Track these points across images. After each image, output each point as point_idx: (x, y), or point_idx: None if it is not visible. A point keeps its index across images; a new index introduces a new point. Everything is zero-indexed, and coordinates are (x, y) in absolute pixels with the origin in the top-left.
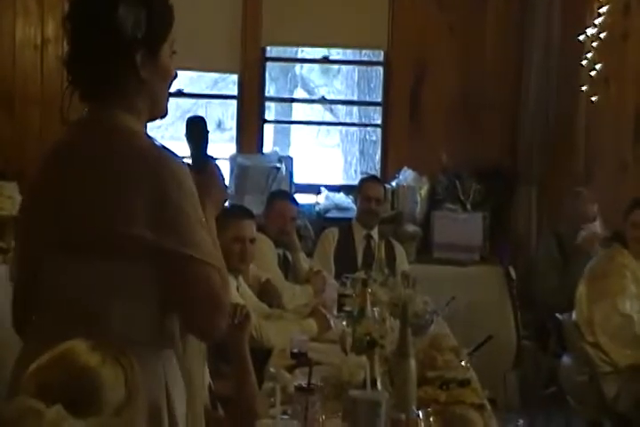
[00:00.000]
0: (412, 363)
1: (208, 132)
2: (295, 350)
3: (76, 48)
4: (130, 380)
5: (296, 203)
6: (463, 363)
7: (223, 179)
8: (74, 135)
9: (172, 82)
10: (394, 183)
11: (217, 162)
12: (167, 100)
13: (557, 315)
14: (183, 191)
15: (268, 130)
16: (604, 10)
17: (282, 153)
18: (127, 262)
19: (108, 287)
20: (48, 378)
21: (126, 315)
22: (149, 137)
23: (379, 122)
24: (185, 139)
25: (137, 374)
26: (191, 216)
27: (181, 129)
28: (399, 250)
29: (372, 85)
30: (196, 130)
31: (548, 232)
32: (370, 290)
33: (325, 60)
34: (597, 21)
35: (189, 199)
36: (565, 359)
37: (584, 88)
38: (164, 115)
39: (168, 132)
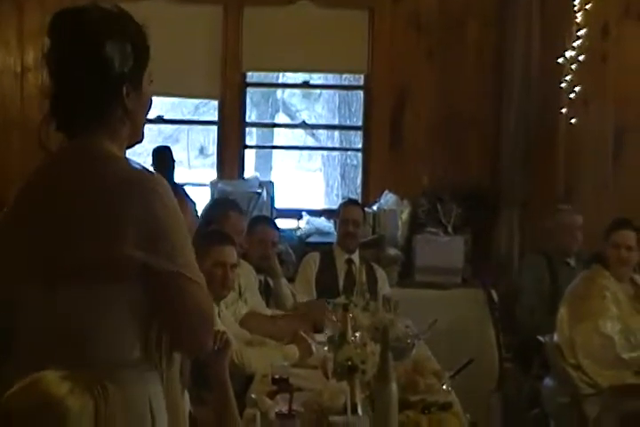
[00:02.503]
0: (394, 387)
1: (174, 161)
2: (276, 376)
3: (62, 82)
4: (101, 411)
5: (277, 228)
6: (445, 387)
7: (194, 204)
8: (57, 163)
9: (149, 109)
10: (375, 207)
11: (184, 188)
12: (144, 126)
13: (539, 337)
14: (168, 211)
15: (250, 155)
16: (582, 33)
17: (263, 178)
18: (116, 284)
19: (95, 311)
20: (15, 407)
21: (111, 338)
22: (132, 161)
23: (360, 146)
24: (152, 168)
25: (112, 405)
26: (178, 235)
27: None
28: (380, 274)
29: (352, 109)
30: (163, 159)
31: (536, 251)
32: (351, 315)
33: (306, 84)
34: (576, 44)
35: (175, 218)
36: (547, 381)
37: (564, 110)
38: (140, 140)
39: (149, 159)
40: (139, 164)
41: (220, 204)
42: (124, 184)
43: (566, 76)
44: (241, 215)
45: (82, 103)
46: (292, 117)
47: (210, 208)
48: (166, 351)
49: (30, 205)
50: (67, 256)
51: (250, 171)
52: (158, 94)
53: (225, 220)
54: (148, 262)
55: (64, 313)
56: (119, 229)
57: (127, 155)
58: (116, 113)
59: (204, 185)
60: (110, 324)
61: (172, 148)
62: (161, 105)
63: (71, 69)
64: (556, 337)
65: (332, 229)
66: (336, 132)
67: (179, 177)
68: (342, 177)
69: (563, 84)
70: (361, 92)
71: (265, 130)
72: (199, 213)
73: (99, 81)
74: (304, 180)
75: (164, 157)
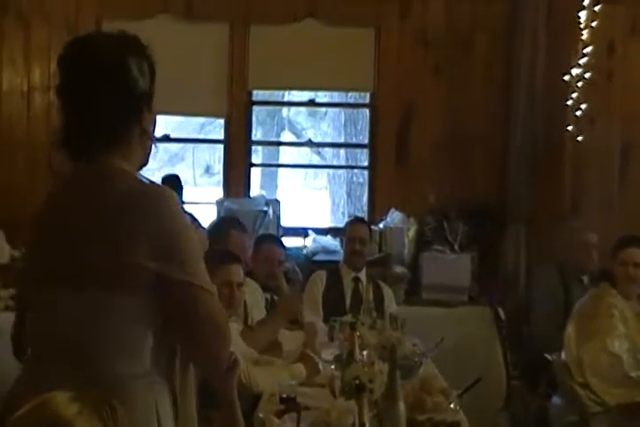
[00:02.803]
0: (401, 406)
1: (182, 188)
2: (284, 395)
3: (81, 108)
4: None
5: (283, 246)
6: (453, 405)
7: (204, 230)
8: (72, 184)
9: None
10: (381, 225)
11: (193, 215)
12: (152, 147)
13: (547, 355)
14: (179, 223)
15: (255, 173)
16: (588, 50)
17: (269, 196)
18: (129, 292)
19: (107, 320)
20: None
21: (123, 347)
22: (143, 177)
23: (366, 164)
24: None
25: (121, 425)
26: (189, 246)
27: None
28: (387, 292)
29: (358, 127)
30: (171, 187)
31: (548, 266)
32: (358, 333)
33: (312, 102)
34: (582, 61)
35: (185, 230)
36: (555, 400)
37: (570, 127)
38: (146, 163)
39: (155, 177)
40: (148, 179)
41: (221, 223)
42: (134, 198)
43: (572, 93)
44: (243, 233)
45: (102, 127)
46: (297, 136)
47: (212, 229)
48: (180, 364)
49: (47, 226)
50: (81, 267)
51: (256, 189)
52: (164, 113)
53: (227, 239)
54: (161, 272)
55: (77, 321)
56: (131, 241)
57: None
58: (134, 132)
59: (211, 203)
60: (123, 333)
61: (178, 167)
62: (166, 124)
63: (94, 94)
64: (563, 355)
65: (339, 248)
66: (342, 150)
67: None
68: (348, 195)
69: (569, 102)
70: (367, 110)
71: (270, 148)
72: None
73: (124, 101)
74: (310, 198)
75: (172, 185)
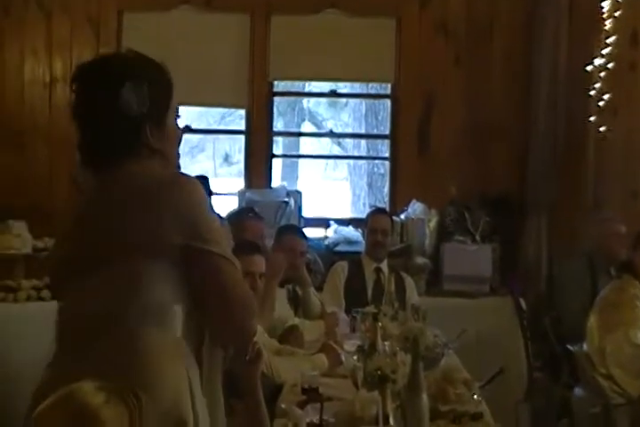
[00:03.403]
0: (424, 397)
1: (211, 191)
2: (306, 386)
3: (89, 130)
4: (135, 421)
5: (305, 237)
6: (475, 396)
7: (225, 222)
8: (99, 183)
9: (180, 141)
10: (403, 216)
11: (221, 216)
12: (178, 158)
13: (569, 346)
14: (202, 204)
15: (276, 164)
16: (611, 40)
17: (290, 187)
18: (158, 265)
19: (137, 291)
20: (53, 418)
21: (151, 316)
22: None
23: (387, 155)
24: None
25: (146, 414)
26: (211, 223)
27: (189, 164)
28: (409, 283)
29: (379, 118)
30: None
31: (577, 256)
32: (380, 324)
33: (333, 93)
34: (605, 51)
35: (207, 210)
36: (577, 391)
37: (592, 118)
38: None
39: None
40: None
41: (237, 214)
42: (160, 182)
43: (595, 84)
44: (259, 221)
45: (109, 145)
46: (318, 126)
47: (228, 220)
48: (208, 348)
49: (77, 215)
50: (111, 244)
51: (277, 180)
52: (185, 104)
53: (244, 228)
54: (186, 245)
55: (109, 294)
56: (159, 218)
57: None
58: (142, 152)
59: (232, 194)
60: (152, 303)
61: (198, 158)
62: (187, 114)
63: (94, 114)
64: (585, 346)
65: (360, 238)
66: (362, 141)
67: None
68: (369, 186)
69: (591, 92)
70: (388, 101)
71: (291, 139)
72: None
73: (120, 123)
74: (331, 189)
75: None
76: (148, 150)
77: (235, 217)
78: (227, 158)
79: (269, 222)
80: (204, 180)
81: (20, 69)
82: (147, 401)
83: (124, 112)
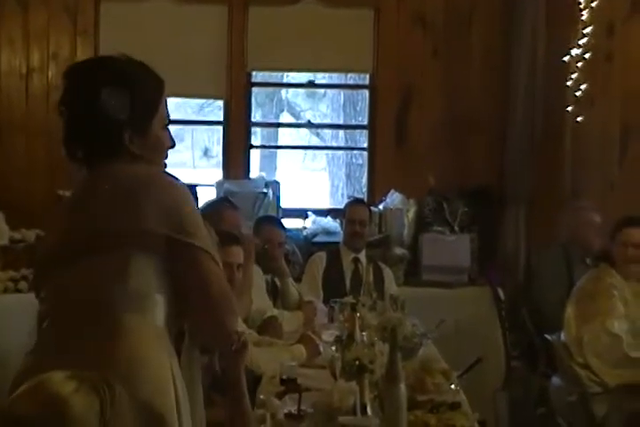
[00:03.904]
0: (402, 387)
1: (197, 198)
2: (284, 377)
3: (70, 128)
4: (107, 410)
5: (283, 228)
6: (453, 386)
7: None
8: (87, 179)
9: (167, 152)
10: (381, 206)
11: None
12: (164, 167)
13: (546, 335)
14: (185, 199)
15: (255, 155)
16: (588, 30)
17: (268, 178)
18: (142, 254)
19: (121, 278)
20: (23, 405)
21: (137, 303)
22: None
23: (365, 145)
24: None
25: (119, 404)
26: (193, 217)
27: (170, 156)
28: (387, 273)
29: (357, 109)
30: None
31: (553, 246)
32: (358, 314)
33: (311, 84)
34: (582, 42)
35: (191, 204)
36: (555, 380)
37: (569, 108)
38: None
39: None
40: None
41: (213, 204)
42: (147, 177)
43: (572, 74)
44: (234, 210)
45: (88, 145)
46: (296, 117)
47: (204, 210)
48: (188, 342)
49: (65, 205)
50: (98, 233)
51: (255, 171)
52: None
53: (219, 219)
54: (169, 236)
55: (93, 281)
56: (144, 210)
57: None
58: (123, 158)
59: (210, 186)
60: (135, 290)
61: (177, 148)
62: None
63: (74, 114)
64: (563, 336)
65: (338, 229)
66: (341, 132)
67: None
68: (347, 176)
69: (568, 83)
70: (366, 92)
71: (269, 130)
72: None
73: (98, 128)
74: (309, 179)
75: None
76: (129, 157)
77: (210, 207)
78: (206, 151)
79: (248, 213)
80: (191, 187)
81: None
82: (122, 390)
83: (103, 116)
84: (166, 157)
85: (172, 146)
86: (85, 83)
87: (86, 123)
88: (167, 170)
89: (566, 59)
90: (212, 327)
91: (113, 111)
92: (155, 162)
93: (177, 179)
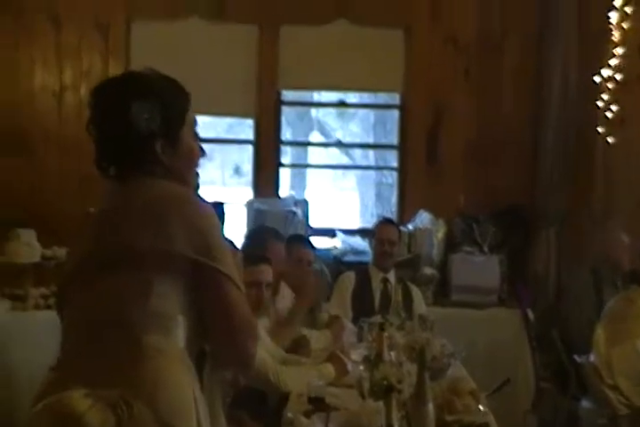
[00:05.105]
0: (430, 407)
1: (224, 214)
2: (312, 396)
3: (102, 144)
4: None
5: (312, 247)
6: (481, 407)
7: (239, 251)
8: (116, 191)
9: (198, 161)
10: (410, 226)
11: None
12: (196, 177)
13: (576, 357)
14: (213, 223)
15: (285, 174)
16: (619, 51)
17: (298, 197)
18: (166, 275)
19: (145, 298)
20: (41, 422)
21: (158, 323)
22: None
23: (395, 165)
24: None
25: (138, 422)
26: (221, 243)
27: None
28: (416, 293)
29: (387, 128)
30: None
31: (582, 267)
32: (387, 334)
33: (341, 103)
34: (613, 63)
35: (218, 230)
36: (585, 402)
37: (600, 129)
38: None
39: None
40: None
41: (258, 233)
42: (176, 197)
43: (603, 94)
44: (280, 243)
45: (122, 160)
46: (326, 136)
47: (248, 239)
48: (209, 365)
49: (93, 223)
50: (125, 252)
51: (285, 189)
52: (194, 113)
53: (265, 249)
54: (195, 260)
55: (117, 300)
56: (171, 232)
57: None
58: (156, 169)
59: (240, 204)
60: (158, 311)
61: (207, 167)
62: None
63: (105, 126)
64: (592, 357)
65: (368, 249)
66: (371, 151)
67: (214, 195)
68: (377, 196)
69: (599, 103)
70: (396, 111)
71: (299, 148)
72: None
73: (130, 140)
74: (338, 198)
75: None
76: (162, 169)
77: (256, 237)
78: (237, 170)
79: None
80: (219, 205)
81: (31, 77)
82: (142, 408)
83: (135, 128)
84: (198, 167)
85: (203, 155)
86: (115, 96)
87: (118, 135)
88: (198, 187)
89: (597, 79)
90: (234, 352)
91: (144, 122)
92: (186, 173)
93: (205, 200)
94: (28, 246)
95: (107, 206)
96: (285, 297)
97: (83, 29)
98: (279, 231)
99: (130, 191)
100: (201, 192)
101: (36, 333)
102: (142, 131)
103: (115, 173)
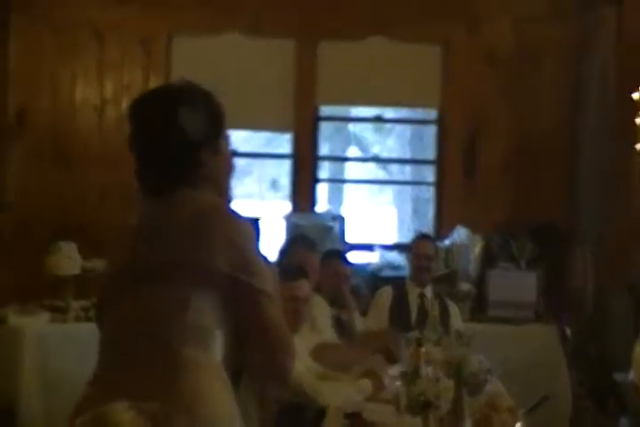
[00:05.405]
0: (468, 424)
1: (259, 230)
2: (349, 411)
3: (146, 152)
4: None
5: (349, 262)
6: (519, 424)
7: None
8: (156, 205)
9: (232, 173)
10: (447, 241)
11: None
12: (232, 190)
13: (614, 375)
14: (251, 242)
15: (322, 188)
16: None
17: (335, 211)
18: (205, 290)
19: (184, 312)
20: None
21: (194, 337)
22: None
23: (432, 180)
24: None
25: None
26: (258, 261)
27: (235, 188)
28: (453, 308)
29: (424, 143)
30: None
31: (620, 285)
32: (424, 349)
33: (378, 119)
34: None
35: (255, 248)
36: (624, 420)
37: (638, 146)
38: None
39: None
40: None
41: (292, 243)
42: (215, 213)
43: None
44: (313, 253)
45: (165, 171)
46: (363, 151)
47: (282, 251)
48: (246, 369)
49: (133, 235)
50: (166, 266)
51: (322, 204)
52: (231, 127)
53: (295, 256)
54: (234, 277)
55: (156, 313)
56: (211, 245)
57: None
58: (198, 179)
59: (277, 218)
60: (196, 325)
61: (244, 181)
62: (233, 138)
63: (150, 142)
64: (631, 375)
65: (405, 263)
66: (408, 166)
67: (251, 209)
68: (414, 211)
69: (637, 120)
70: (434, 127)
71: (336, 163)
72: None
73: (177, 148)
74: (375, 213)
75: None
76: (201, 180)
77: (289, 248)
78: (274, 184)
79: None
80: (255, 221)
81: (72, 91)
82: (181, 422)
83: (183, 136)
84: (232, 177)
85: (234, 168)
86: (163, 104)
87: (167, 144)
88: (234, 201)
89: (635, 96)
90: (271, 368)
91: (192, 129)
92: (224, 183)
93: (241, 216)
94: (68, 259)
95: (146, 220)
96: (320, 308)
97: (125, 44)
98: (313, 241)
99: (170, 205)
100: (237, 206)
101: (76, 345)
102: (190, 139)
103: (156, 185)
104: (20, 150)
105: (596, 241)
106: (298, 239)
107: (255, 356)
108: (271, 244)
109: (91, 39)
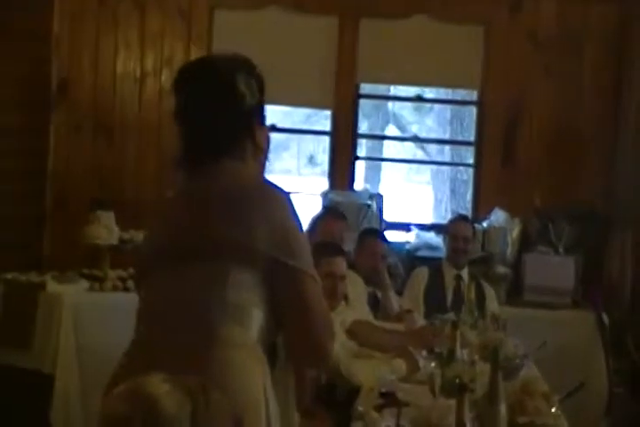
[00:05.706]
0: (503, 408)
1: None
2: (384, 390)
3: (197, 120)
4: (200, 415)
5: (386, 241)
6: (554, 410)
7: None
8: (198, 178)
9: (269, 146)
10: (485, 224)
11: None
12: (268, 165)
13: None
14: (292, 218)
15: (360, 166)
16: None
17: (372, 190)
18: (246, 269)
19: (222, 289)
20: (117, 407)
21: (232, 315)
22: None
23: (471, 161)
24: None
25: (214, 409)
26: (299, 239)
27: (273, 163)
28: (489, 291)
29: (464, 124)
30: None
31: None
32: (459, 332)
33: (418, 98)
34: None
35: (296, 225)
36: None
37: None
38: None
39: None
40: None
41: (322, 213)
42: (257, 189)
43: None
44: (333, 219)
45: (215, 142)
46: (402, 130)
47: (313, 218)
48: (285, 348)
49: (173, 209)
50: (208, 243)
51: (360, 182)
52: (271, 103)
53: (316, 227)
54: (275, 256)
55: (195, 289)
56: (252, 224)
57: None
58: (246, 146)
59: (314, 195)
60: (235, 303)
61: (282, 156)
62: (273, 113)
63: (207, 111)
64: None
65: (441, 244)
66: (446, 147)
67: (289, 185)
68: (452, 191)
69: None
70: (474, 108)
71: (374, 141)
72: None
73: (235, 115)
74: (413, 193)
75: None
76: (252, 146)
77: (315, 217)
78: (311, 159)
79: (352, 225)
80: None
81: (113, 62)
82: (219, 398)
83: (239, 105)
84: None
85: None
86: (214, 76)
87: (220, 113)
88: (271, 176)
89: None
90: (309, 349)
91: (249, 97)
92: (265, 154)
93: (285, 192)
94: (106, 229)
95: (187, 193)
96: (355, 286)
97: (166, 16)
98: (334, 208)
99: (211, 177)
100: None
101: (114, 314)
102: (247, 107)
103: (200, 157)
104: (61, 121)
105: (635, 228)
106: (327, 209)
107: (295, 337)
108: (306, 220)
109: (133, 10)
